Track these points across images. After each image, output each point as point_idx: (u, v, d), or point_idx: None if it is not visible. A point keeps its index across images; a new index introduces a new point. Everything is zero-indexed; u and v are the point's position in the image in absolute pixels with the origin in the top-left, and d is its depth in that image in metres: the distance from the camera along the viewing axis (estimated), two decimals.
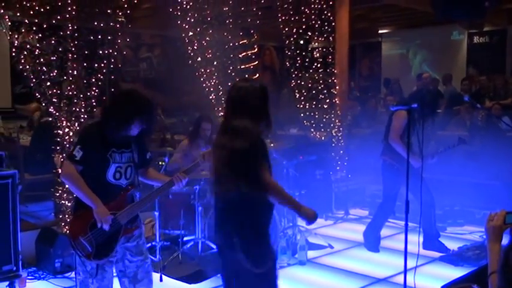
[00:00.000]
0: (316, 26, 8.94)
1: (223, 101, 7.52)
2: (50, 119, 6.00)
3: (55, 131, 5.95)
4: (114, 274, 3.62)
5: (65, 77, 5.93)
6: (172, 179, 3.60)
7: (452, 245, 6.14)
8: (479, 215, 7.15)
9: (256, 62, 10.01)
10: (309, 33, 9.02)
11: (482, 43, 12.60)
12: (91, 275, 3.45)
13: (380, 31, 14.27)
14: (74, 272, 3.81)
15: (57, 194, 5.95)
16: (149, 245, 5.71)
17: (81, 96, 5.95)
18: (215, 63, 7.36)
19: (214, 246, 5.65)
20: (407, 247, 4.06)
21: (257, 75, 10.79)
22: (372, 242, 6.05)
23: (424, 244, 5.99)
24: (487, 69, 11.72)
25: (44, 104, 6.05)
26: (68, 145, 5.78)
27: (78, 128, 5.82)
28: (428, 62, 13.46)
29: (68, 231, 3.54)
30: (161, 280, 5.18)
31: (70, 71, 5.91)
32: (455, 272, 5.33)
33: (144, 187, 3.95)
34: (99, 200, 3.38)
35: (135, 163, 3.53)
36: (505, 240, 2.29)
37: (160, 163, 6.15)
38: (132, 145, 3.52)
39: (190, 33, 7.25)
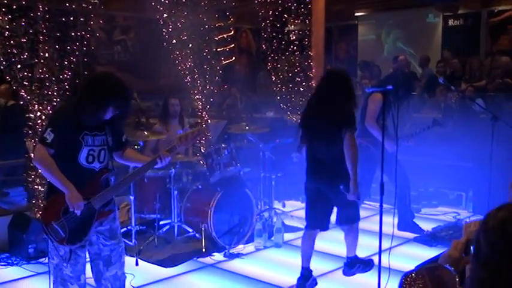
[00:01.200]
0: (293, 8, 8.90)
1: (198, 84, 7.46)
2: (21, 102, 5.87)
3: (26, 115, 5.84)
4: (88, 259, 3.59)
5: (36, 60, 5.79)
6: (155, 158, 3.55)
7: (427, 226, 6.23)
8: (453, 196, 7.27)
9: (233, 45, 9.94)
10: (285, 16, 8.97)
11: (456, 26, 12.65)
12: (64, 259, 3.41)
13: (356, 14, 14.25)
14: (47, 258, 3.75)
15: (30, 179, 5.86)
16: (124, 229, 5.67)
17: (54, 79, 5.84)
18: (190, 45, 7.26)
19: (190, 230, 5.66)
20: (382, 228, 4.09)
21: (233, 58, 10.73)
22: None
23: (398, 225, 6.06)
24: (462, 52, 11.82)
25: (14, 87, 5.91)
26: (40, 129, 5.68)
27: (50, 111, 5.71)
28: (402, 39, 13.50)
29: (40, 217, 3.47)
30: (137, 264, 5.15)
31: (42, 53, 5.78)
32: (430, 252, 5.41)
33: (119, 172, 3.90)
34: (72, 185, 3.33)
35: (109, 146, 3.49)
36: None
37: (135, 147, 6.08)
38: (106, 128, 3.47)
39: (165, 15, 7.14)
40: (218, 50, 8.04)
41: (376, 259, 4.20)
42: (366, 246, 5.10)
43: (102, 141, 3.46)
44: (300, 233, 6.03)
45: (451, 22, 12.79)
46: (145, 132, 5.75)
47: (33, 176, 5.81)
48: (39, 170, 3.47)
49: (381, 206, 4.06)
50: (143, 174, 3.64)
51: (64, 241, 3.37)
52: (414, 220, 6.25)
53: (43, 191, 5.58)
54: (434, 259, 5.17)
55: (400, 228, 6.07)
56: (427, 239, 5.80)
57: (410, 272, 1.98)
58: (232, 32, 9.57)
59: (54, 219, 3.37)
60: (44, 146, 3.35)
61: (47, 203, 3.55)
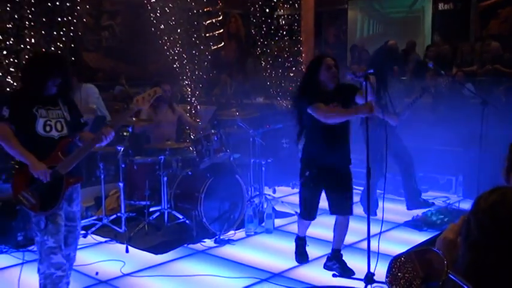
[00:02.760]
0: None
1: (187, 70, 7.44)
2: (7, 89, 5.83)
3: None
4: None
5: (22, 46, 5.75)
6: (99, 133, 3.71)
7: (417, 211, 6.27)
8: (443, 180, 7.32)
9: (221, 30, 9.90)
10: (275, 0, 8.94)
11: (447, 10, 12.66)
12: (46, 232, 3.58)
13: None
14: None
15: (17, 166, 5.82)
16: (114, 216, 5.69)
17: None
18: (179, 30, 7.23)
19: (180, 217, 5.66)
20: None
21: (222, 43, 10.69)
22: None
23: (408, 204, 6.19)
24: (452, 36, 11.82)
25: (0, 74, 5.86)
26: None
27: None
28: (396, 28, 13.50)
29: (11, 188, 3.69)
30: (127, 251, 5.16)
31: (28, 40, 5.73)
32: (420, 237, 5.47)
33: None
34: (32, 156, 3.53)
35: (66, 120, 3.70)
36: None
37: (124, 134, 6.07)
38: (60, 104, 3.70)
39: (153, 0, 7.09)
40: (207, 35, 8.01)
41: (365, 244, 4.23)
42: (357, 231, 5.13)
43: (58, 115, 3.68)
44: (291, 219, 6.10)
45: (441, 6, 12.80)
46: (134, 118, 5.73)
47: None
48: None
49: (366, 190, 4.08)
50: (90, 148, 3.76)
51: (36, 208, 3.56)
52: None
53: None
54: (424, 243, 5.24)
55: (410, 207, 6.26)
56: (417, 223, 5.84)
57: (399, 255, 2.00)
58: (221, 17, 9.53)
59: (24, 188, 3.57)
60: (2, 123, 3.55)
61: (15, 175, 3.74)
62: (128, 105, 8.93)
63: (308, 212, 4.53)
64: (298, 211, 4.72)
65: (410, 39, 11.12)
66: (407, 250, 4.26)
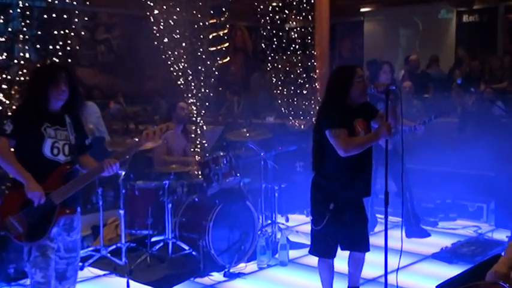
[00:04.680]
0: (294, 3, 8.94)
1: (192, 86, 7.47)
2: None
3: (5, 121, 5.82)
4: None
5: (15, 61, 5.80)
6: (102, 164, 3.68)
7: (445, 241, 6.22)
8: (473, 208, 7.27)
9: (227, 44, 9.97)
10: (286, 12, 9.02)
11: (472, 22, 12.73)
12: (33, 264, 3.55)
13: (362, 9, 14.32)
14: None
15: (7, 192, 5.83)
16: (114, 247, 5.66)
17: None
18: (184, 44, 7.28)
19: (186, 248, 5.63)
20: (395, 244, 4.09)
21: (228, 58, 10.76)
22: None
23: (406, 232, 6.15)
24: (478, 50, 11.85)
25: None
26: None
27: None
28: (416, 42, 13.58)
29: None
30: (128, 286, 5.11)
31: (21, 54, 5.78)
32: (450, 270, 5.41)
33: None
34: (30, 176, 3.51)
35: (71, 144, 3.68)
36: None
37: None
38: (68, 125, 3.68)
39: (156, 11, 7.15)
40: (212, 49, 8.07)
41: (392, 278, 4.17)
42: (381, 264, 5.06)
43: (65, 137, 3.66)
44: (306, 250, 6.04)
45: (465, 18, 12.87)
46: (136, 139, 5.72)
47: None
48: None
49: (386, 217, 4.03)
50: (90, 179, 3.75)
51: (22, 237, 3.53)
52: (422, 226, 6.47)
53: None
54: (456, 277, 5.19)
55: (408, 235, 6.27)
56: (446, 255, 5.79)
57: None
58: (227, 30, 9.60)
59: (12, 213, 3.54)
60: (2, 137, 3.54)
61: (5, 197, 3.74)
62: (128, 125, 9.02)
63: (331, 249, 4.31)
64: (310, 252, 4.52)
65: (433, 54, 11.16)
66: (439, 286, 4.23)
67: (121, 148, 5.45)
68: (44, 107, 3.61)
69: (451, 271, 5.41)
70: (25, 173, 3.51)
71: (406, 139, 5.63)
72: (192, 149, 7.02)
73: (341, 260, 4.47)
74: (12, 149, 3.61)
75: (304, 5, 8.94)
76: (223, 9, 8.21)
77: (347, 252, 4.42)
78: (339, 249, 4.35)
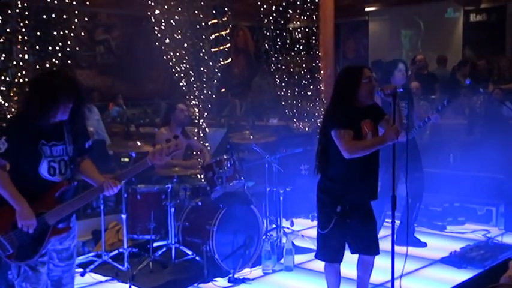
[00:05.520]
0: (298, 3, 8.95)
1: (195, 88, 7.48)
2: None
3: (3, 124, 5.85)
4: None
5: (14, 62, 5.81)
6: (102, 184, 3.55)
7: (454, 245, 6.23)
8: (482, 211, 7.27)
9: (229, 44, 9.99)
10: (290, 12, 9.03)
11: (479, 21, 12.74)
12: (23, 279, 3.47)
13: (367, 9, 14.35)
14: None
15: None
16: (115, 252, 5.68)
17: None
18: (185, 45, 7.30)
19: (189, 253, 5.64)
20: (402, 249, 4.09)
21: (230, 59, 10.78)
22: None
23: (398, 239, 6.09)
24: (485, 50, 11.86)
25: None
26: None
27: None
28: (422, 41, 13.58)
29: None
30: None
31: (20, 55, 5.80)
32: (459, 275, 5.42)
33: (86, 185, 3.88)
34: (24, 201, 3.38)
35: (69, 157, 3.54)
36: None
37: (124, 159, 6.10)
38: (66, 137, 3.52)
39: (157, 12, 7.17)
40: (213, 50, 8.09)
41: (400, 283, 4.18)
42: (380, 268, 5.05)
43: (61, 151, 3.51)
44: (312, 255, 6.05)
45: (472, 17, 12.88)
46: (138, 142, 5.75)
47: None
48: None
49: (393, 222, 4.03)
50: (89, 200, 3.69)
51: (12, 257, 3.43)
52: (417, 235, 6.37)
53: None
54: (466, 282, 5.20)
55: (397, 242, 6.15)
56: (455, 260, 5.79)
57: None
58: (228, 30, 9.63)
59: (2, 232, 3.42)
60: None
61: None
62: (129, 128, 9.04)
63: (337, 253, 4.32)
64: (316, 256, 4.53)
65: (441, 55, 11.16)
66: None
67: (123, 150, 5.49)
68: (45, 120, 3.40)
69: (460, 276, 5.42)
70: (19, 198, 3.38)
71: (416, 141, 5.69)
72: (195, 153, 7.03)
73: (348, 265, 4.48)
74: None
75: (308, 5, 8.95)
76: (226, 9, 8.22)
77: (354, 257, 4.42)
78: (346, 253, 4.37)
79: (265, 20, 8.91)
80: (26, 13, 5.89)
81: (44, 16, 6.06)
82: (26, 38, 5.93)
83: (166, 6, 7.20)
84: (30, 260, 3.45)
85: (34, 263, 3.47)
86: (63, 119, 3.46)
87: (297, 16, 8.97)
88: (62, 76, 3.47)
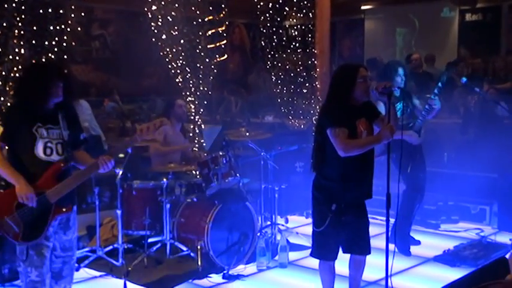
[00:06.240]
0: (294, 0, 8.95)
1: (191, 84, 7.48)
2: None
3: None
4: None
5: (10, 57, 5.80)
6: (96, 161, 3.72)
7: (447, 244, 6.26)
8: (475, 210, 7.30)
9: (225, 41, 9.99)
10: (286, 9, 9.03)
11: (475, 21, 12.78)
12: (29, 263, 3.62)
13: (363, 7, 14.36)
14: None
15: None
16: (110, 247, 5.68)
17: None
18: (182, 41, 7.29)
19: (184, 249, 5.65)
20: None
21: (225, 55, 10.78)
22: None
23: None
24: (481, 50, 11.90)
25: None
26: None
27: None
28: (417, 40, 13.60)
29: None
30: (125, 287, 5.14)
31: (17, 50, 5.78)
32: (452, 273, 5.44)
33: None
34: (21, 177, 3.57)
35: (65, 141, 3.71)
36: None
37: (120, 155, 6.08)
38: (61, 122, 3.71)
39: (154, 7, 7.16)
40: (209, 46, 8.08)
41: (394, 280, 4.19)
42: (382, 267, 5.08)
43: (58, 135, 3.70)
44: (307, 252, 6.06)
45: (468, 17, 12.92)
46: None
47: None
48: None
49: (387, 220, 4.04)
50: (86, 177, 3.87)
51: (19, 237, 3.58)
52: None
53: None
54: (459, 281, 5.21)
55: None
56: (448, 258, 5.81)
57: None
58: (224, 27, 9.62)
59: (7, 213, 3.59)
60: None
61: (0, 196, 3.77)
62: (124, 123, 9.02)
63: (332, 251, 4.33)
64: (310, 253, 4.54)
65: (429, 54, 11.15)
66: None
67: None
68: (39, 106, 3.64)
69: (453, 274, 5.43)
70: (17, 175, 3.59)
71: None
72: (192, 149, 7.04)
73: (342, 262, 4.49)
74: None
75: (305, 2, 8.95)
76: (222, 6, 8.21)
77: (347, 255, 4.44)
78: (340, 251, 4.38)
79: (262, 17, 8.90)
80: (22, 7, 5.86)
81: (40, 11, 6.04)
82: (22, 32, 5.92)
83: (163, 2, 7.19)
84: (36, 240, 3.60)
85: (40, 245, 3.62)
86: (57, 101, 3.66)
87: (293, 14, 8.98)
88: (48, 63, 3.97)
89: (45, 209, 3.62)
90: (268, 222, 6.39)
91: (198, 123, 7.59)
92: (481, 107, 8.60)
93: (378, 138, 4.13)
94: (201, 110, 7.62)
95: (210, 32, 8.15)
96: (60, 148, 3.70)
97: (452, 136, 7.37)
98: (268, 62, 9.06)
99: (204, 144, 7.64)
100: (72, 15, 6.35)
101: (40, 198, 3.58)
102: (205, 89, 7.65)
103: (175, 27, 7.28)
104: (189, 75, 7.42)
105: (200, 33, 7.62)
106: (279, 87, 8.95)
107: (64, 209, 3.71)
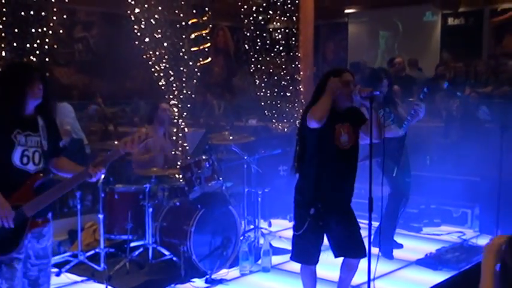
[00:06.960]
0: (278, 4, 8.96)
1: (174, 88, 7.46)
2: None
3: None
4: None
5: None
6: (87, 169, 3.56)
7: (429, 247, 6.29)
8: (457, 213, 7.35)
9: (209, 44, 9.97)
10: (270, 12, 9.04)
11: (457, 25, 12.88)
12: (0, 275, 3.44)
13: (346, 11, 14.43)
14: None
15: None
16: (92, 252, 5.64)
17: None
18: (165, 44, 7.27)
19: (166, 253, 5.62)
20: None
21: (209, 59, 10.76)
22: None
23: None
24: (463, 54, 11.99)
25: None
26: None
27: None
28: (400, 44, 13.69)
29: None
30: None
31: None
32: (434, 277, 5.47)
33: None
34: (0, 195, 3.38)
35: (43, 150, 3.58)
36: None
37: None
38: (40, 130, 3.57)
39: (137, 10, 7.13)
40: (193, 49, 8.06)
41: (375, 284, 4.20)
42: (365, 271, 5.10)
43: (36, 143, 3.55)
44: (289, 256, 6.07)
45: (450, 21, 13.02)
46: (116, 142, 5.70)
47: None
48: None
49: (370, 224, 4.04)
50: (73, 186, 3.75)
51: None
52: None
53: None
54: (441, 284, 5.25)
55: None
56: (431, 261, 5.85)
57: None
58: (209, 30, 9.60)
59: None
60: None
61: None
62: (107, 127, 8.97)
63: (313, 255, 4.32)
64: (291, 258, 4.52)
65: (412, 58, 11.23)
66: None
67: (101, 147, 5.46)
68: (18, 110, 3.50)
69: (436, 277, 5.48)
70: None
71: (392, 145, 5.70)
72: (173, 152, 7.00)
73: (326, 267, 4.50)
74: None
75: (289, 6, 8.97)
76: (206, 9, 8.19)
77: (335, 259, 4.41)
78: (323, 255, 4.37)
79: (246, 21, 8.90)
80: (4, 10, 5.81)
81: (22, 13, 5.99)
82: (3, 34, 5.86)
83: (146, 5, 7.15)
84: (9, 254, 3.43)
85: (10, 258, 3.44)
86: (37, 103, 3.54)
87: (277, 17, 8.99)
88: (26, 65, 3.77)
89: (21, 223, 3.44)
90: (252, 226, 6.38)
91: (181, 126, 7.56)
92: (463, 110, 8.67)
93: (327, 93, 4.12)
94: (185, 113, 7.59)
95: (193, 35, 8.12)
96: (37, 157, 3.54)
97: (434, 140, 7.39)
98: (252, 65, 9.05)
99: (188, 148, 7.61)
100: (55, 18, 6.30)
101: (17, 213, 3.39)
102: (189, 92, 7.62)
103: (159, 30, 7.24)
104: (172, 78, 7.39)
105: (184, 36, 7.59)
106: (263, 90, 8.96)
107: (40, 222, 3.55)
